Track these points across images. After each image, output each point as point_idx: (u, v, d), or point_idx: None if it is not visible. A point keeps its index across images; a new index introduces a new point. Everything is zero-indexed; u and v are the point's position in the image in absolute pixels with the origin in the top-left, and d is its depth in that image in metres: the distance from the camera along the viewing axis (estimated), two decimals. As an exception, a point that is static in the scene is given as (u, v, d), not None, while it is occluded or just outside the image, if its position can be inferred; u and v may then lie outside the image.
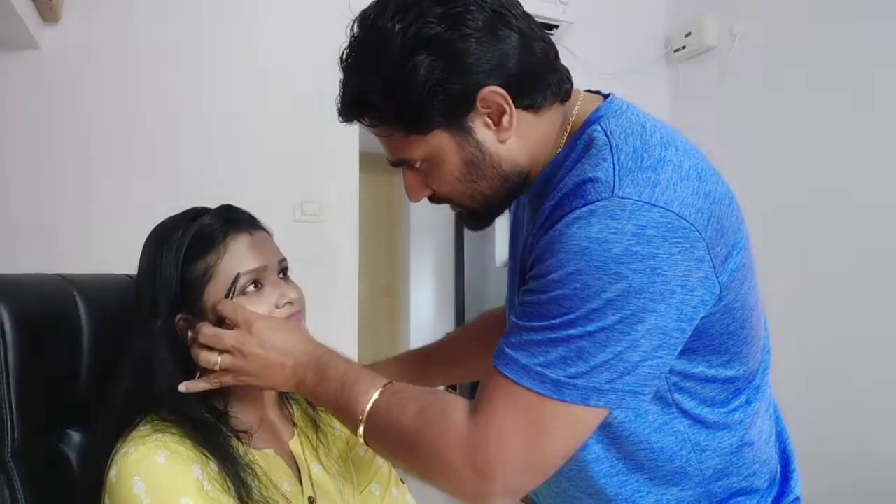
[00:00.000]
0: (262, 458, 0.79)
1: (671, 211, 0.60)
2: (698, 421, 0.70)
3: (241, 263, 0.78)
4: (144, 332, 0.77)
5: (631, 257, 0.59)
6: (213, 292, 0.77)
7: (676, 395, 0.69)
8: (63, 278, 0.86)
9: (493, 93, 0.66)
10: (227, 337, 0.73)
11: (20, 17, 1.75)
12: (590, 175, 0.63)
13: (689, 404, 0.70)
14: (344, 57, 0.70)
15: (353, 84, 0.69)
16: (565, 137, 0.73)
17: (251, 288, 0.78)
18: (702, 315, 0.64)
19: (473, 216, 0.78)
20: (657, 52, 3.01)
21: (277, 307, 0.79)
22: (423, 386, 0.82)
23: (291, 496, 0.78)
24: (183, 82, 2.21)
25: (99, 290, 0.90)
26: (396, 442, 0.68)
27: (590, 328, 0.59)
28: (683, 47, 2.84)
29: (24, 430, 0.73)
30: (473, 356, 1.02)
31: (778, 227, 2.33)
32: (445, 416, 0.64)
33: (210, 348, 0.74)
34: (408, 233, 4.55)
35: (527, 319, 0.64)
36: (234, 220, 0.81)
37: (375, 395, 0.68)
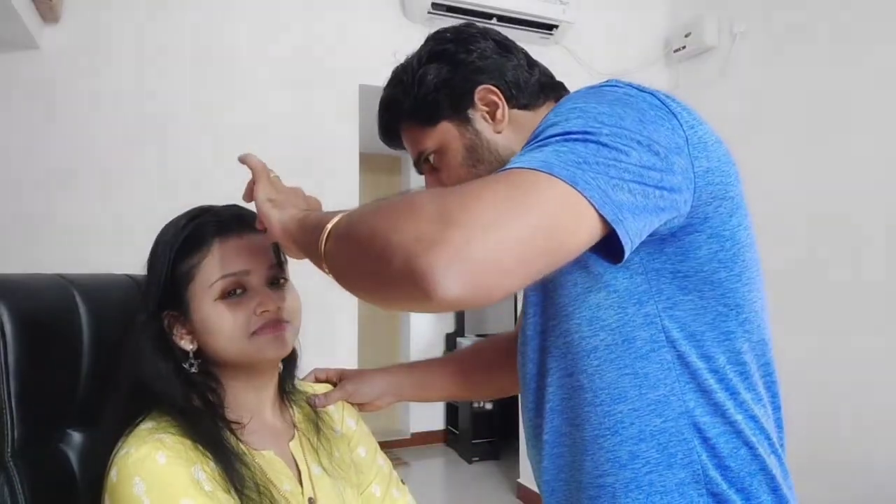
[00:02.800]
0: (262, 460, 0.79)
1: (647, 91, 0.67)
2: (684, 355, 0.70)
3: (223, 266, 0.77)
4: (135, 327, 0.78)
5: (615, 102, 0.64)
6: (195, 292, 0.77)
7: (666, 323, 0.69)
8: (63, 278, 0.85)
9: (488, 90, 0.81)
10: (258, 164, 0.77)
11: (20, 17, 1.76)
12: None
13: (676, 334, 0.69)
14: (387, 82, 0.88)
15: (385, 95, 0.88)
16: None
17: (237, 291, 0.78)
18: (685, 199, 0.63)
19: None
20: (657, 52, 3.01)
21: (255, 314, 0.77)
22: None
23: (292, 497, 0.78)
24: (183, 83, 2.21)
25: (99, 290, 0.89)
26: (358, 236, 0.59)
27: (585, 128, 0.59)
28: (683, 47, 2.84)
29: (24, 429, 0.73)
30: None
31: (777, 226, 2.33)
32: (418, 192, 0.59)
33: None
34: (408, 233, 4.53)
35: (530, 144, 0.62)
36: (227, 222, 0.80)
37: (343, 213, 0.64)
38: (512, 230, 0.52)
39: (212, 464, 0.71)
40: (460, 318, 4.65)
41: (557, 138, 0.59)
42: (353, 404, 0.98)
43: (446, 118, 0.82)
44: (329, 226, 0.62)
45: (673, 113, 0.66)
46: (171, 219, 0.82)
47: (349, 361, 2.31)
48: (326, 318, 2.26)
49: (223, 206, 0.83)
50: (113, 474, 0.68)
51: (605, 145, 0.58)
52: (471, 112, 0.82)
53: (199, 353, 0.79)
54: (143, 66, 2.16)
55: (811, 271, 2.28)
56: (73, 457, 0.81)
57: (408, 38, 2.76)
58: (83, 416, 0.82)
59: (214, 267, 0.77)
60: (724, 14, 2.70)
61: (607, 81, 0.70)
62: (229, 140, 2.25)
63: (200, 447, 0.72)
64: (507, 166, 0.58)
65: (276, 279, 0.82)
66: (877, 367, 2.06)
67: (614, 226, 0.56)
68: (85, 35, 2.08)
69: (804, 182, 2.33)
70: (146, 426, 0.73)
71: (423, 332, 4.67)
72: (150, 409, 0.75)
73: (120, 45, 2.13)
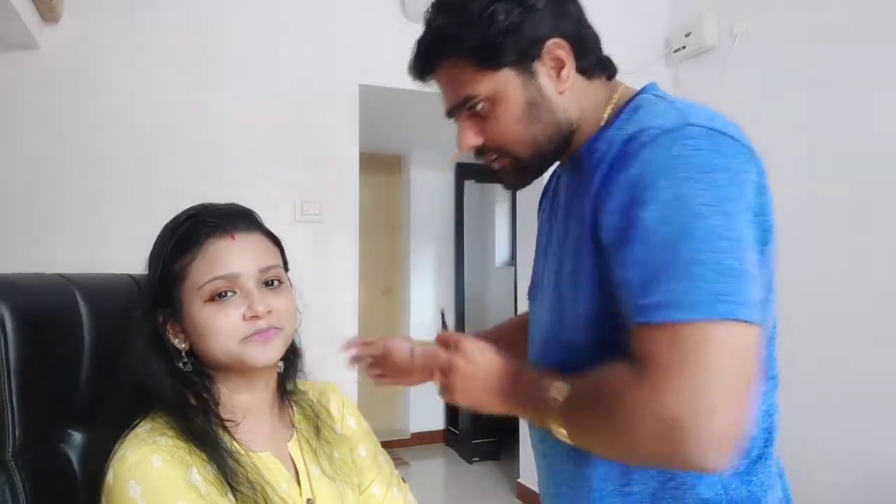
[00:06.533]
0: (259, 461, 0.78)
1: (737, 140, 0.68)
2: None
3: (212, 268, 0.76)
4: (133, 325, 0.79)
5: (712, 168, 0.64)
6: (185, 293, 0.77)
7: None
8: (63, 278, 0.86)
9: (558, 45, 0.76)
10: (441, 356, 0.80)
11: (20, 17, 1.76)
12: (653, 121, 0.69)
13: None
14: (433, 4, 0.79)
15: (438, 22, 0.78)
16: (609, 112, 0.80)
17: (227, 293, 0.76)
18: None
19: (519, 168, 0.82)
20: (657, 52, 3.01)
21: (244, 319, 0.76)
22: None
23: (289, 498, 0.78)
24: (183, 83, 2.21)
25: (99, 290, 0.89)
26: (594, 434, 0.69)
27: (699, 233, 0.62)
28: (683, 47, 2.84)
29: (25, 429, 0.73)
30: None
31: (778, 226, 2.32)
32: (622, 394, 0.63)
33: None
34: (408, 233, 4.54)
35: (644, 257, 0.64)
36: (219, 222, 0.79)
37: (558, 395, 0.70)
38: (724, 392, 0.58)
39: (208, 466, 0.71)
40: (460, 317, 4.66)
41: (683, 247, 0.62)
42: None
43: (510, 65, 0.75)
44: (552, 401, 0.70)
45: (749, 149, 0.69)
46: (170, 218, 0.83)
47: (349, 361, 2.30)
48: (327, 316, 2.26)
49: (220, 205, 0.83)
50: (109, 477, 0.68)
51: (730, 244, 0.62)
52: (536, 65, 0.76)
53: (192, 352, 0.79)
54: (142, 66, 2.16)
55: (813, 268, 2.28)
56: (73, 457, 0.81)
57: (408, 38, 2.76)
58: (83, 416, 0.82)
59: (204, 269, 0.76)
60: (724, 14, 2.70)
61: (678, 136, 0.67)
62: (230, 140, 2.25)
63: (196, 449, 0.72)
64: (658, 314, 0.61)
65: (270, 280, 0.80)
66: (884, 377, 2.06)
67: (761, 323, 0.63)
68: (85, 35, 2.08)
69: (804, 183, 2.33)
70: (143, 428, 0.73)
71: (424, 330, 4.67)
72: (148, 411, 0.75)
73: (120, 45, 2.13)
